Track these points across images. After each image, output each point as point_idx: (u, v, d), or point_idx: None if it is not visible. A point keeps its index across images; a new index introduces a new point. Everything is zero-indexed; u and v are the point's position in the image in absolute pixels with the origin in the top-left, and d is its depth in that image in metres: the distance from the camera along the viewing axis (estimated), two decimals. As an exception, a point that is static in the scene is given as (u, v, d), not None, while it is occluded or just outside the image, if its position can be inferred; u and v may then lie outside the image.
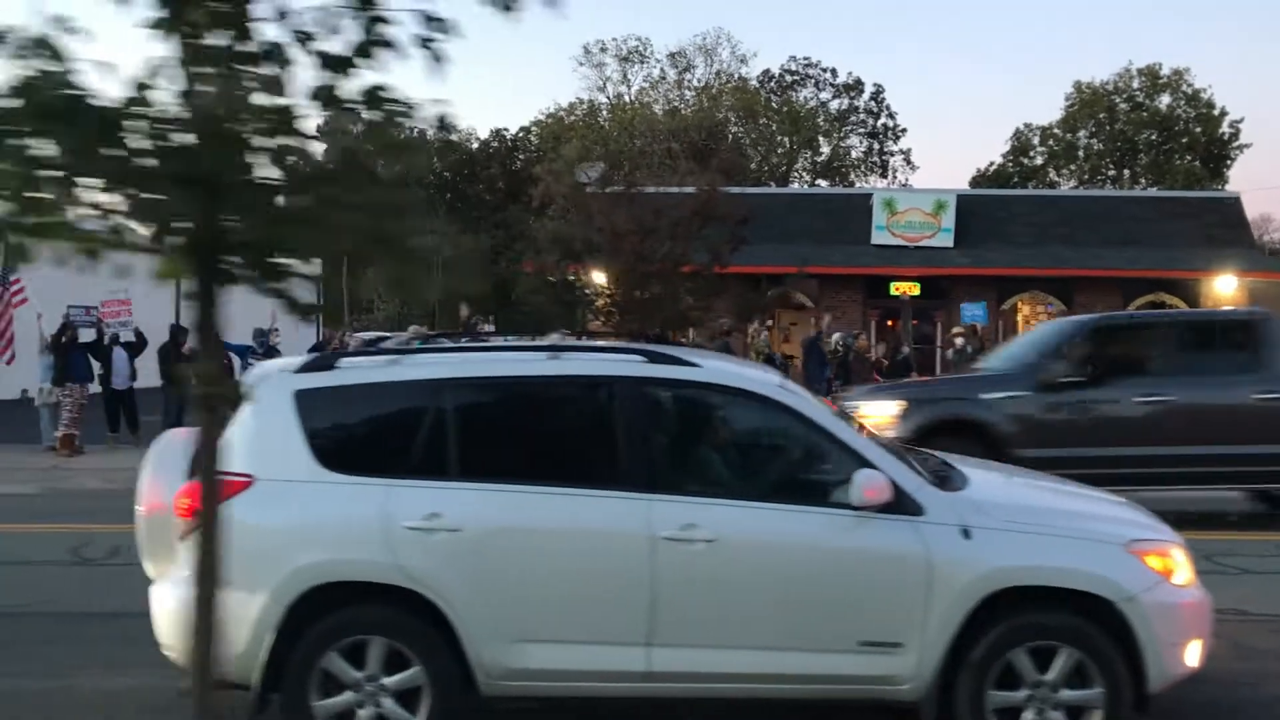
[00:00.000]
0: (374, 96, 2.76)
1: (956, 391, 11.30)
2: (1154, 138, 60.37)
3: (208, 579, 3.16)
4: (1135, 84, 60.79)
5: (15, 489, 13.48)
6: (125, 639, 6.81)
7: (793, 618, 4.79)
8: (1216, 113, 58.59)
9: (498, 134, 69.11)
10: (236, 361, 14.65)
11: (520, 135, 69.31)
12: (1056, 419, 10.39)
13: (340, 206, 2.72)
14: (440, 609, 4.71)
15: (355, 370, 5.10)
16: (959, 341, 17.36)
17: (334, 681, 4.77)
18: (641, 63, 63.82)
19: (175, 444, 5.24)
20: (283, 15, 2.70)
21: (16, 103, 2.49)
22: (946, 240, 26.78)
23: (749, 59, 65.66)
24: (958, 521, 4.77)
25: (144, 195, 2.60)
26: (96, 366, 16.32)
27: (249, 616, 4.64)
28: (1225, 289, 24.96)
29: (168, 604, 4.88)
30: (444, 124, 2.80)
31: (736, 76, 62.93)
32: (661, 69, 63.43)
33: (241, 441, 4.78)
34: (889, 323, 27.37)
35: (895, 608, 4.74)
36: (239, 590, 4.66)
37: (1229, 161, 59.25)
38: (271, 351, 15.47)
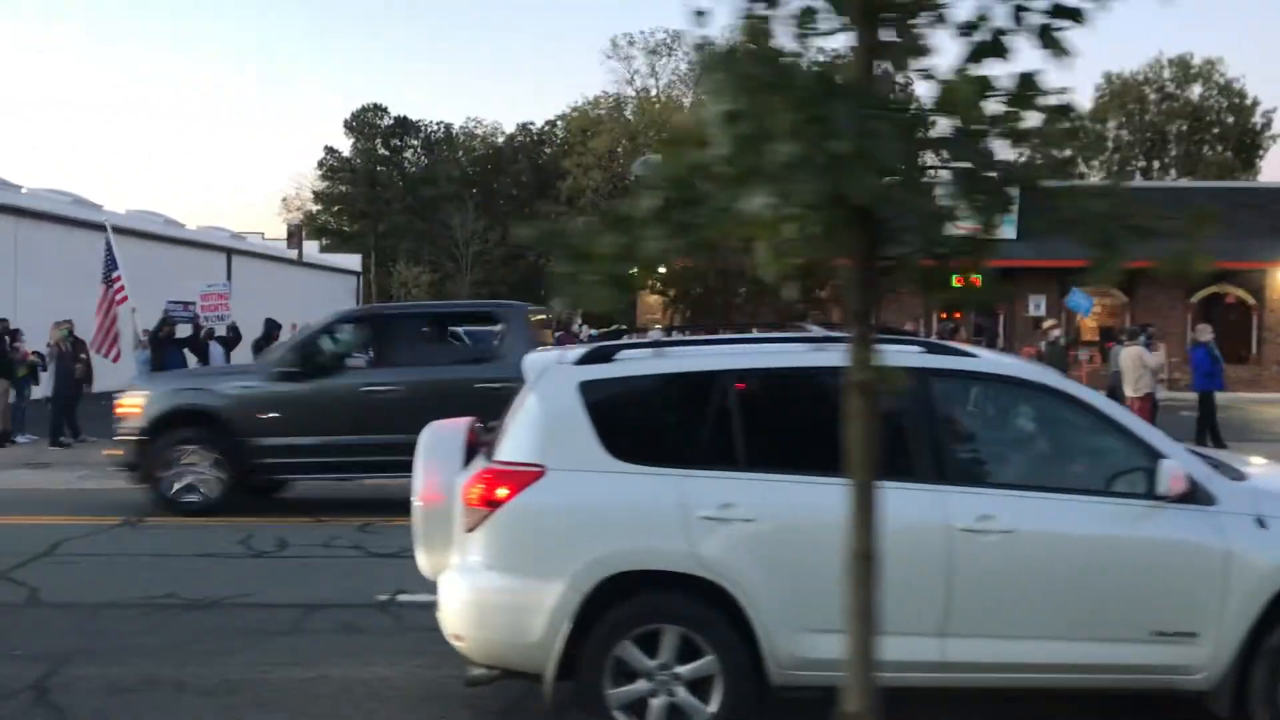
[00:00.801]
0: (1031, 86, 2.74)
1: (198, 382, 11.71)
2: (1184, 128, 60.17)
3: (862, 568, 3.14)
4: (1166, 74, 60.56)
5: (124, 483, 13.52)
6: (345, 628, 6.90)
7: (1086, 608, 4.81)
8: (1249, 103, 58.36)
9: (524, 128, 69.13)
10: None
11: (545, 129, 69.29)
12: (283, 408, 10.65)
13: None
14: (734, 598, 4.74)
15: (636, 362, 5.13)
16: (1055, 334, 17.33)
17: (626, 670, 4.81)
18: (669, 55, 63.74)
19: (446, 434, 5.28)
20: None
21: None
22: (1010, 231, 26.49)
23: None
24: (1252, 511, 4.78)
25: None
26: (192, 360, 16.39)
27: (545, 605, 4.68)
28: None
29: (461, 594, 4.91)
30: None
31: (764, 69, 62.83)
32: (690, 62, 63.26)
33: (529, 432, 4.85)
34: (942, 315, 27.31)
35: (1190, 597, 4.76)
36: (533, 579, 4.75)
37: (1262, 152, 59.04)
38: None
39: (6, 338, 16.22)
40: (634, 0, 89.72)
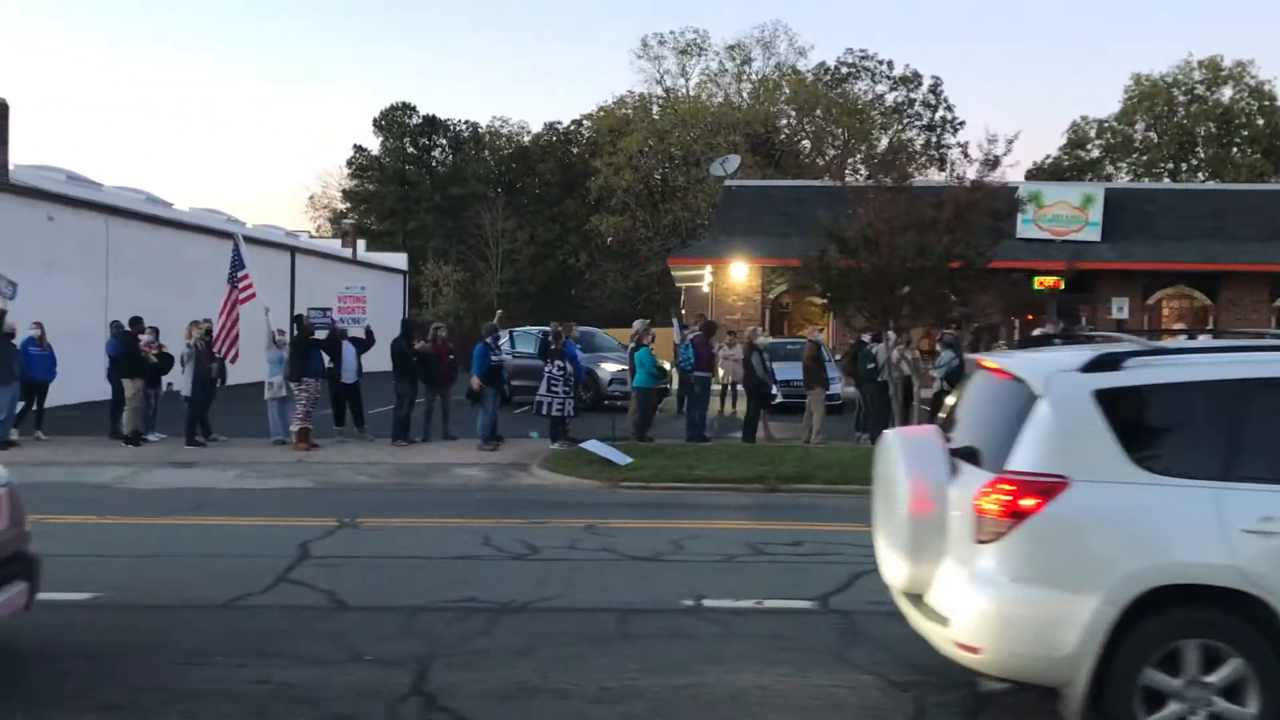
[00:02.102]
0: None
1: None
2: (1214, 130, 60.28)
3: None
4: (1196, 76, 60.67)
5: (286, 483, 13.52)
6: (670, 633, 6.87)
7: None
8: (1280, 105, 58.46)
9: (550, 127, 68.97)
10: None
11: (572, 128, 69.16)
12: None
13: None
14: (1275, 610, 4.59)
15: (1153, 370, 4.97)
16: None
17: (1153, 694, 4.66)
18: (699, 55, 63.67)
19: (925, 442, 5.24)
20: None
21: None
22: (1094, 234, 26.71)
23: (807, 51, 65.41)
24: None
25: None
26: (326, 360, 16.34)
27: (1078, 619, 4.58)
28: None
29: (980, 606, 4.79)
30: None
31: (790, 69, 62.86)
32: (720, 61, 63.31)
33: (1046, 442, 4.75)
34: (1028, 316, 27.32)
35: None
36: (1066, 592, 4.64)
37: (1293, 154, 59.12)
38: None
39: (138, 337, 16.16)
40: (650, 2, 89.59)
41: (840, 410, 19.82)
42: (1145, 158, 62.39)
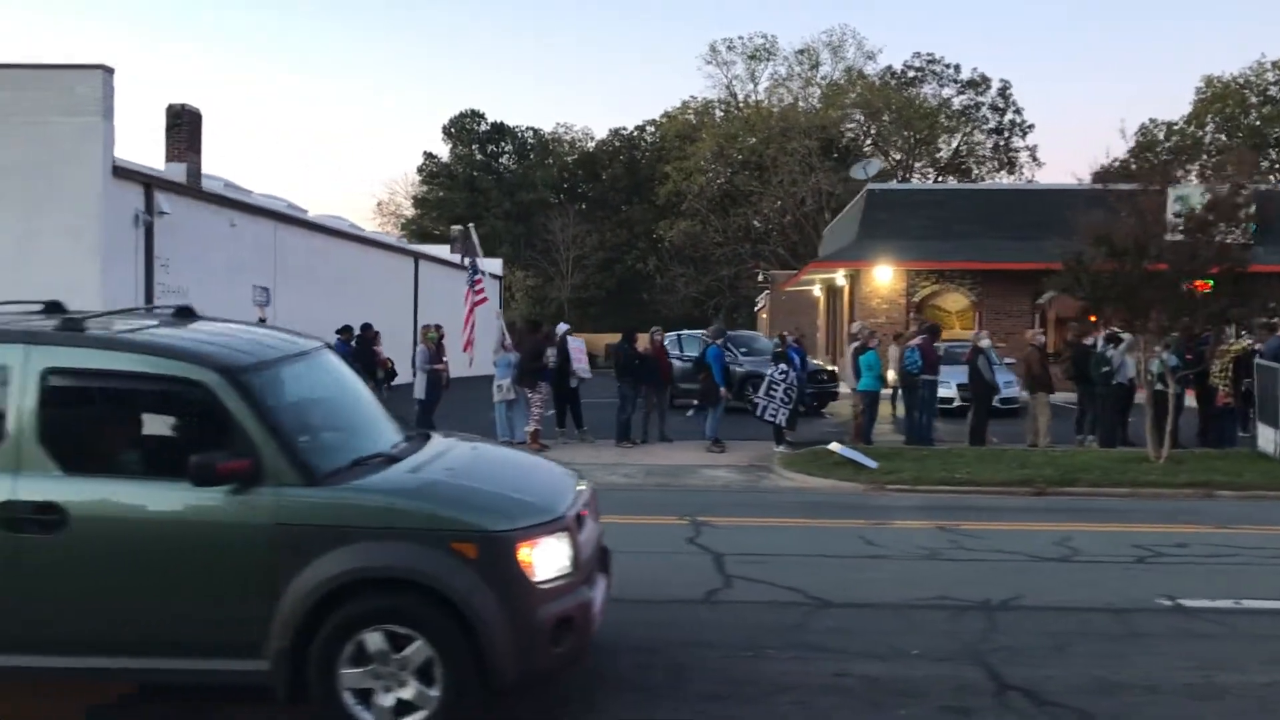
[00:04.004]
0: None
1: None
2: (1286, 132, 59.95)
3: None
4: (1270, 77, 60.36)
5: (621, 480, 13.76)
6: (1185, 634, 6.86)
7: None
8: (1357, 106, 58.11)
9: (615, 133, 69.20)
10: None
11: (635, 134, 69.36)
12: None
13: None
14: None
15: None
16: None
17: None
18: (768, 60, 63.78)
19: None
20: None
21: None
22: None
23: (875, 55, 65.42)
24: None
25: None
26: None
27: None
28: None
29: None
30: None
31: (858, 73, 62.85)
32: (789, 66, 63.36)
33: None
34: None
35: None
36: None
37: (1367, 156, 58.76)
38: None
39: (367, 340, 16.33)
40: (724, 7, 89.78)
41: (1014, 414, 19.86)
42: (1213, 161, 62.14)
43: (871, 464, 14.21)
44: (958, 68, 63.79)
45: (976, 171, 63.91)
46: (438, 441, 5.83)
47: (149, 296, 19.07)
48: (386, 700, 4.62)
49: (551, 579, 4.76)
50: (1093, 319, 16.33)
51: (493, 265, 48.60)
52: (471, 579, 4.52)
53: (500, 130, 66.35)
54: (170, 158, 20.75)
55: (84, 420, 4.87)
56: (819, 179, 55.54)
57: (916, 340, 16.52)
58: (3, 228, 17.34)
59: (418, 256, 33.79)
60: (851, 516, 11.16)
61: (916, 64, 64.48)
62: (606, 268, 63.91)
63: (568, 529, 4.92)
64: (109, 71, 17.99)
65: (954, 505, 12.17)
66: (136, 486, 4.69)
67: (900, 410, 18.67)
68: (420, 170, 66.24)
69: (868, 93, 60.35)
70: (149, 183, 19.12)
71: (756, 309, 56.35)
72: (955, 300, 27.76)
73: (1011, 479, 13.57)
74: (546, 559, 4.74)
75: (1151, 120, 64.28)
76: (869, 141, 62.84)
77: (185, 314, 5.54)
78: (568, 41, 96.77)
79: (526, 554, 4.67)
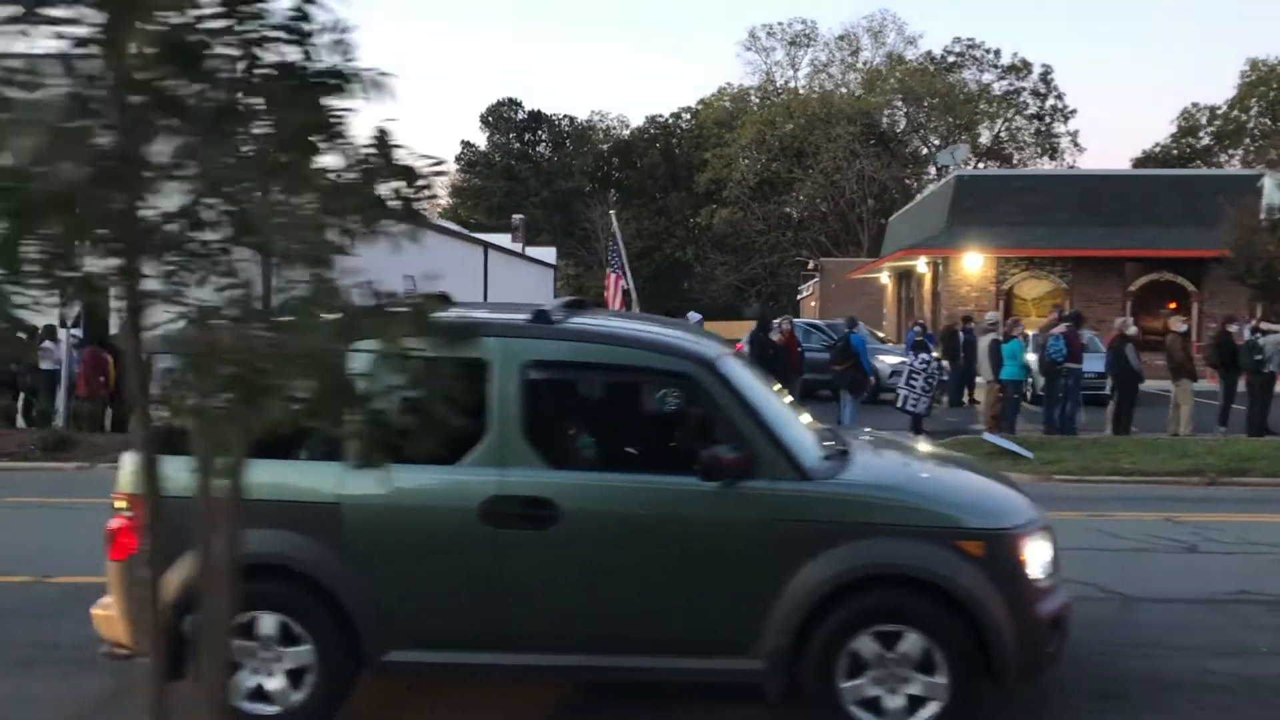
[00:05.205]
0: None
1: None
2: (1332, 115, 59.55)
3: None
4: (1318, 60, 59.89)
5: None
6: None
7: None
8: (1404, 89, 57.65)
9: (652, 120, 68.91)
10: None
11: (671, 121, 69.04)
12: None
13: None
14: None
15: None
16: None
17: None
18: (808, 46, 63.40)
19: None
20: None
21: None
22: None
23: (916, 40, 64.97)
24: None
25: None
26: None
27: None
28: None
29: None
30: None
31: (899, 58, 62.46)
32: (829, 52, 62.98)
33: None
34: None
35: None
36: None
37: None
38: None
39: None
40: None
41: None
42: (1255, 145, 61.70)
43: (1028, 454, 14.00)
44: (998, 53, 63.45)
45: (1017, 158, 63.57)
46: (855, 437, 5.69)
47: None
48: (894, 701, 4.47)
49: (1042, 578, 4.63)
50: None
51: (546, 254, 48.62)
52: (977, 577, 4.38)
53: (537, 119, 66.12)
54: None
55: (566, 413, 4.70)
56: (863, 165, 55.26)
57: (1061, 328, 16.29)
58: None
59: (486, 245, 33.62)
60: (1058, 508, 10.94)
61: (956, 49, 64.10)
62: (644, 256, 63.66)
63: (1049, 528, 4.76)
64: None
65: (1140, 496, 11.94)
66: (627, 480, 4.55)
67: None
68: (458, 159, 66.06)
69: (908, 78, 59.96)
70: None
71: (801, 297, 56.11)
72: (1032, 287, 27.55)
73: (1179, 469, 13.35)
74: (1038, 558, 4.61)
75: (1194, 105, 63.91)
76: (906, 128, 62.52)
77: (576, 305, 5.36)
78: (604, 29, 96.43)
79: (1027, 552, 4.54)
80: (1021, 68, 63.29)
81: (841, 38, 62.78)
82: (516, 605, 4.47)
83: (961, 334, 20.24)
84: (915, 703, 4.47)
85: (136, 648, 4.62)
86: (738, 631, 4.42)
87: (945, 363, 19.56)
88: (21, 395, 17.09)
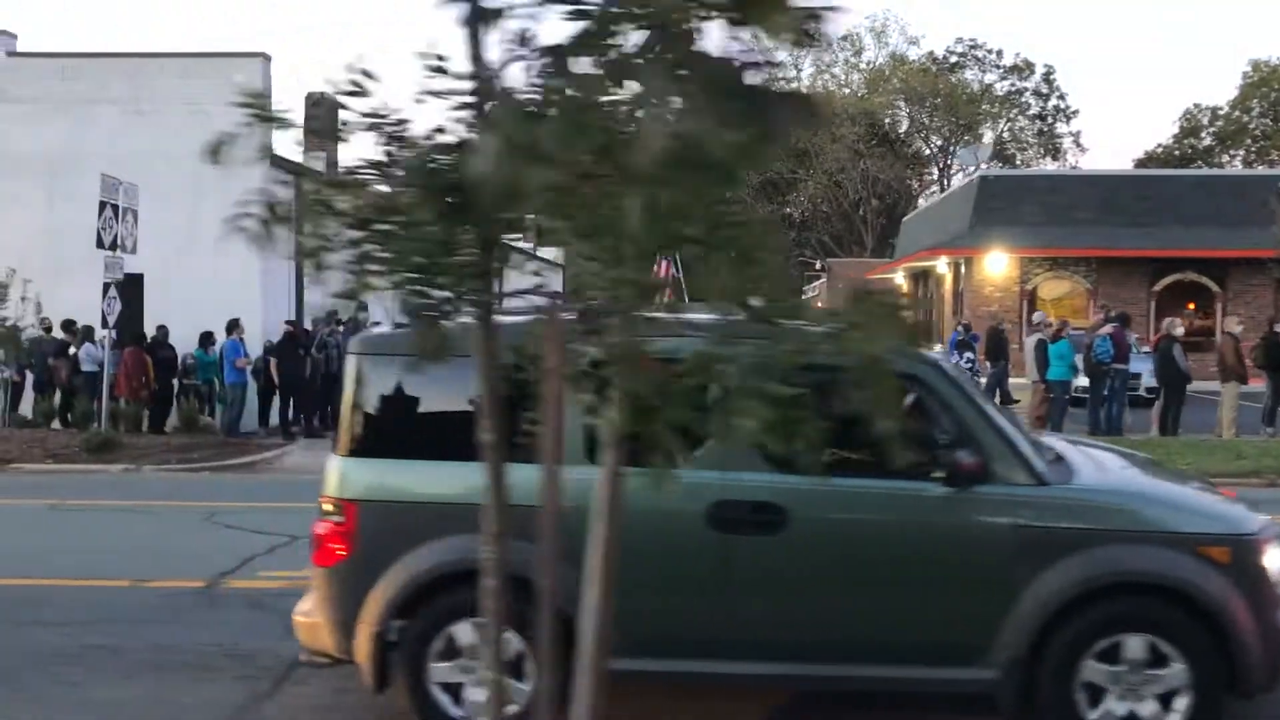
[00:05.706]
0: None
1: None
2: (1334, 117, 59.76)
3: None
4: (1320, 61, 60.09)
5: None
6: None
7: None
8: (1406, 91, 57.90)
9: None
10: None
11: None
12: None
13: None
14: None
15: None
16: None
17: None
18: (811, 46, 63.33)
19: None
20: None
21: None
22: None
23: (918, 40, 65.05)
24: None
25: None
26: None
27: None
28: None
29: None
30: None
31: (901, 59, 62.50)
32: (832, 52, 62.88)
33: None
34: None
35: None
36: None
37: None
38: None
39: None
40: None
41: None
42: (1257, 146, 61.91)
43: None
44: (1000, 53, 63.45)
45: (1020, 158, 63.65)
46: (1058, 440, 5.62)
47: (299, 286, 18.86)
48: (1145, 708, 4.38)
49: (1280, 585, 4.57)
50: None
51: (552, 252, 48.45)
52: (1223, 584, 4.31)
53: (540, 118, 66.03)
54: (309, 147, 20.40)
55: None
56: (868, 165, 55.25)
57: (1108, 329, 16.29)
58: (168, 215, 17.04)
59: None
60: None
61: (959, 49, 64.12)
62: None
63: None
64: (267, 59, 17.69)
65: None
66: (857, 484, 4.41)
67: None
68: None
69: (911, 79, 59.99)
70: (299, 172, 18.80)
71: (807, 297, 56.12)
72: (1052, 288, 27.56)
73: (1239, 470, 13.33)
74: (1277, 565, 4.54)
75: (1196, 105, 64.05)
76: (913, 128, 62.54)
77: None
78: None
79: (1268, 559, 4.48)
80: (1024, 68, 63.35)
81: (844, 38, 62.71)
82: (741, 613, 4.37)
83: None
84: (1164, 702, 4.40)
85: (341, 655, 4.52)
86: (970, 639, 4.33)
87: (987, 363, 19.54)
88: (59, 395, 16.93)
